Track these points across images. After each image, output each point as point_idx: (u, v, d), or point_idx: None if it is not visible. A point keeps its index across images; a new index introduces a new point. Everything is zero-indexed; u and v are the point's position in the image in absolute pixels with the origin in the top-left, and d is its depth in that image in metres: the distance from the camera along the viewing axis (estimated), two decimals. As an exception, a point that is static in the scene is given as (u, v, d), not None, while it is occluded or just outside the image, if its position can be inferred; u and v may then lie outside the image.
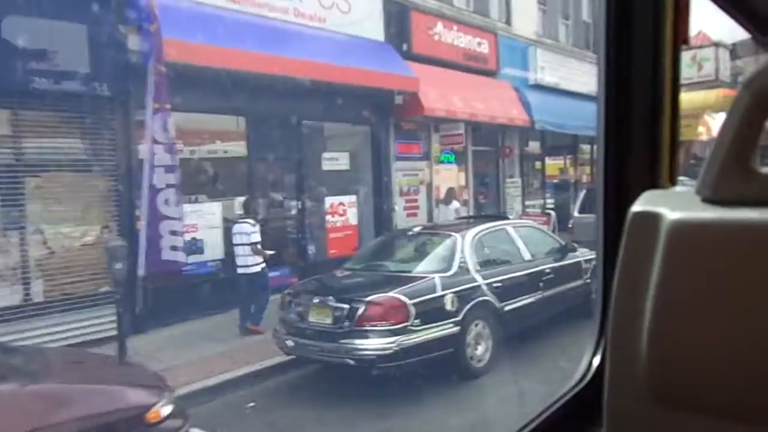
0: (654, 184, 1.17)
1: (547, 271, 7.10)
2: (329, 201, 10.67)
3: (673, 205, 0.68)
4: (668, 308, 0.66)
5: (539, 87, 15.68)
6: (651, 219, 0.68)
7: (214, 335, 7.75)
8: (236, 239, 7.69)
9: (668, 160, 1.20)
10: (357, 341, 5.29)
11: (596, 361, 1.15)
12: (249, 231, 7.55)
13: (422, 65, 11.64)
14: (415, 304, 5.43)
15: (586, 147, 19.34)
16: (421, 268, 6.19)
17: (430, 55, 12.13)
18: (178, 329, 7.90)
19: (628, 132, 1.21)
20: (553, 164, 19.28)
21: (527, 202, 16.00)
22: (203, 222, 8.85)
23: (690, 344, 0.65)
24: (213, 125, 9.56)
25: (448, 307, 5.71)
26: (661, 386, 0.68)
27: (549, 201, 16.54)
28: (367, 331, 5.29)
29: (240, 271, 7.65)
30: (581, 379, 1.16)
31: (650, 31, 1.18)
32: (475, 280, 6.13)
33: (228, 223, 8.95)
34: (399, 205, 12.16)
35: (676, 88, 1.21)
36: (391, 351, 5.19)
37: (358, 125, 11.48)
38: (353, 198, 11.01)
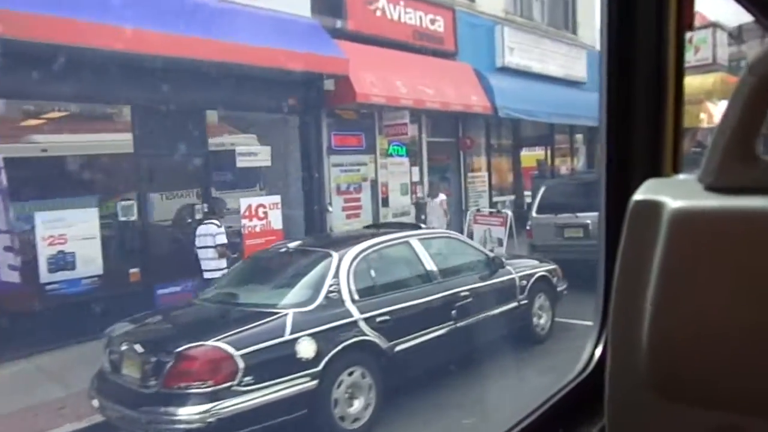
0: (657, 173, 1.16)
1: (464, 294, 5.64)
2: (246, 203, 9.21)
3: (676, 193, 0.67)
4: (670, 297, 0.65)
5: (507, 70, 14.13)
6: (653, 207, 0.67)
7: (66, 373, 6.33)
8: (200, 241, 7.36)
9: (672, 147, 1.20)
10: (162, 408, 3.85)
11: (598, 351, 1.16)
12: (215, 232, 7.24)
13: (360, 45, 10.14)
14: (247, 355, 3.99)
15: (562, 138, 17.82)
16: (278, 300, 4.73)
17: (370, 33, 10.62)
18: (21, 365, 6.49)
19: (630, 119, 1.20)
20: (530, 156, 17.80)
21: (497, 198, 14.52)
22: (74, 231, 7.42)
23: (692, 334, 0.64)
24: (84, 115, 8.11)
25: (303, 353, 4.27)
26: (663, 376, 0.67)
27: (526, 196, 15.07)
28: (175, 394, 3.86)
29: (206, 275, 7.20)
30: (583, 370, 1.17)
31: (653, 15, 1.17)
32: (349, 314, 4.68)
33: (110, 230, 7.57)
34: (336, 204, 10.71)
35: (680, 74, 1.19)
36: (202, 423, 3.75)
37: (282, 115, 10.02)
38: (277, 198, 9.54)
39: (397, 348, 4.91)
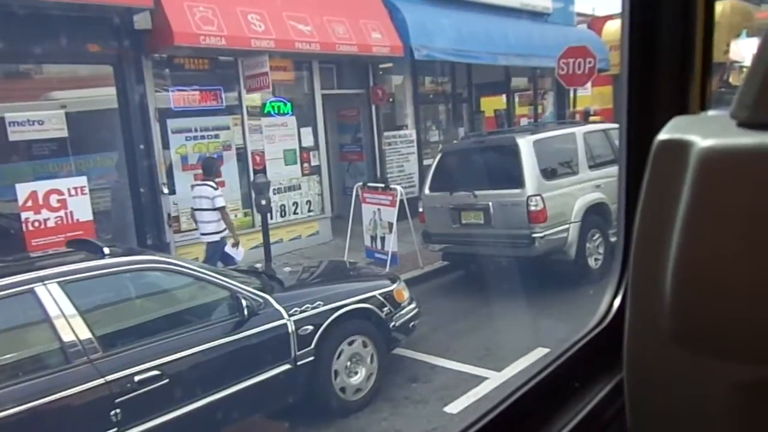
0: (683, 111, 1.08)
1: (150, 376, 3.23)
2: (26, 189, 6.79)
3: (705, 131, 0.61)
4: (696, 244, 0.60)
5: (439, 0, 11.27)
6: (680, 147, 0.61)
7: None
8: (197, 203, 7.00)
9: (699, 84, 1.10)
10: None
11: (617, 301, 1.11)
12: (211, 194, 6.83)
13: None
14: None
15: (525, 83, 14.96)
16: None
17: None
18: None
19: (655, 51, 1.10)
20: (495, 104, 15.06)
21: (430, 162, 11.91)
22: None
23: (717, 283, 0.59)
24: None
25: None
26: (686, 327, 0.62)
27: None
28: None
29: (203, 239, 7.02)
30: (602, 320, 1.13)
31: None
32: None
33: None
34: (183, 183, 8.24)
35: (709, 2, 1.08)
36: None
37: (90, 66, 7.48)
38: (81, 180, 7.10)
39: None
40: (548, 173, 6.58)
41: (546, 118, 15.33)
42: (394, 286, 4.82)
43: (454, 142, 9.27)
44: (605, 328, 1.10)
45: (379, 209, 8.00)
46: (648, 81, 1.11)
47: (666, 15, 1.09)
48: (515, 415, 1.00)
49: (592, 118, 28.22)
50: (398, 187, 7.76)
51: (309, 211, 9.84)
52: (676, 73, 1.11)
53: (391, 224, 7.78)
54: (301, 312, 4.03)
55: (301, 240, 9.63)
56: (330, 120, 11.19)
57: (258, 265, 5.50)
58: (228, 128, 8.73)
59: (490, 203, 6.60)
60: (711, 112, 0.93)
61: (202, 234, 7.01)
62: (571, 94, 23.41)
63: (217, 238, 6.84)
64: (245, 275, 4.56)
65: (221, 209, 6.79)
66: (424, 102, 12.19)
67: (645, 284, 0.66)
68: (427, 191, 7.37)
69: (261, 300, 3.91)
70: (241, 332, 3.72)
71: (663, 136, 0.64)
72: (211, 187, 6.89)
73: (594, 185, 7.09)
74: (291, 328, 3.94)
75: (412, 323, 4.90)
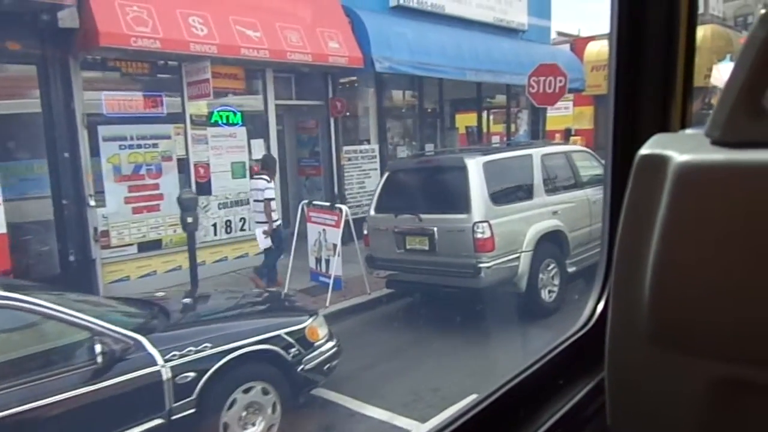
0: (665, 129, 1.16)
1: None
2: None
3: (682, 147, 0.66)
4: (673, 251, 0.64)
5: (406, 11, 10.84)
6: (659, 161, 0.66)
7: None
8: (252, 195, 7.73)
9: (681, 104, 1.19)
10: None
11: (600, 306, 1.17)
12: (263, 187, 7.32)
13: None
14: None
15: (496, 99, 14.57)
16: None
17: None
18: None
19: (639, 74, 1.19)
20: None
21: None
22: None
23: (693, 287, 0.64)
24: None
25: None
26: (663, 328, 0.67)
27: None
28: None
29: (257, 227, 7.54)
30: (585, 324, 1.18)
31: None
32: None
33: None
34: (116, 194, 7.64)
35: (692, 28, 1.17)
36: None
37: (5, 64, 6.89)
38: (-7, 190, 6.48)
39: None
40: (499, 198, 6.07)
41: (519, 137, 14.93)
42: (308, 322, 4.25)
43: (401, 159, 8.70)
44: (588, 331, 1.17)
45: (324, 229, 7.44)
46: (633, 101, 1.18)
47: (650, 40, 1.15)
48: (502, 409, 1.04)
49: (573, 138, 28.09)
50: (344, 207, 7.21)
51: (258, 227, 9.24)
52: (659, 94, 1.17)
53: (335, 246, 7.23)
54: (181, 356, 3.45)
55: (248, 258, 9.02)
56: (289, 132, 10.68)
57: (160, 294, 4.91)
58: (169, 137, 8.15)
59: (435, 228, 6.07)
60: (689, 131, 0.94)
61: (257, 222, 7.58)
62: (548, 113, 23.04)
63: (266, 227, 7.35)
64: (131, 307, 3.97)
65: (267, 201, 7.25)
66: (390, 116, 11.73)
67: (626, 289, 0.70)
68: (372, 212, 6.84)
69: (131, 342, 3.33)
70: (99, 382, 3.13)
71: (644, 151, 0.69)
72: (265, 180, 7.40)
73: (551, 211, 6.60)
74: (166, 375, 3.36)
75: (328, 365, 4.33)
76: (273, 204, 7.37)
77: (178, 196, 6.97)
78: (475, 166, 6.00)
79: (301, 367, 4.09)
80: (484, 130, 15.61)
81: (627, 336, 0.71)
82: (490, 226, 5.80)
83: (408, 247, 6.37)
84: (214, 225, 8.71)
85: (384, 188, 6.73)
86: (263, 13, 8.15)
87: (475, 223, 5.79)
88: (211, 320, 4.17)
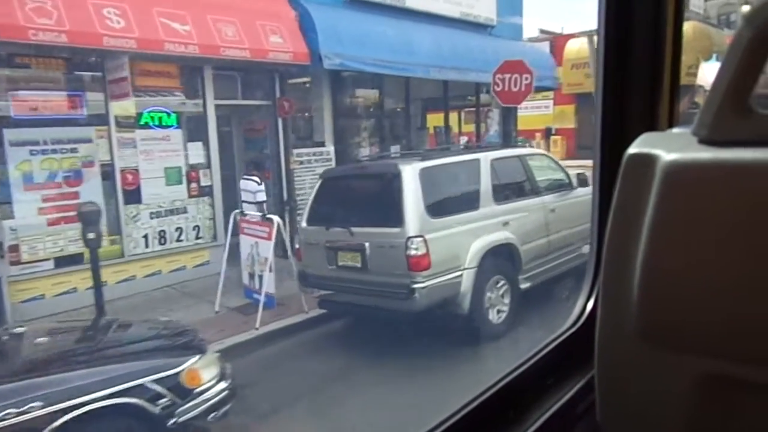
0: (653, 128, 1.17)
1: None
2: None
3: (670, 146, 0.67)
4: (661, 248, 0.65)
5: (363, 4, 10.16)
6: (647, 160, 0.67)
7: None
8: (242, 196, 7.61)
9: (668, 103, 1.20)
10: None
11: (590, 305, 1.18)
12: (254, 189, 7.31)
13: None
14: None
15: (465, 97, 13.93)
16: None
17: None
18: None
19: (627, 74, 1.19)
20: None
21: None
22: None
23: (680, 284, 0.64)
24: None
25: None
26: (651, 325, 0.68)
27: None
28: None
29: None
30: (575, 323, 1.19)
31: None
32: None
33: None
34: (28, 204, 6.92)
35: (678, 29, 1.18)
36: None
37: None
38: None
39: None
40: (438, 208, 5.42)
41: (490, 137, 14.30)
42: (186, 365, 3.58)
43: (346, 164, 8.01)
44: (578, 330, 1.19)
45: (256, 242, 6.76)
46: (621, 100, 1.21)
47: (638, 39, 1.18)
48: (491, 409, 1.05)
49: (553, 138, 27.44)
50: (275, 218, 6.53)
51: (197, 237, 8.55)
52: (647, 94, 1.21)
53: (267, 260, 6.55)
54: (-6, 421, 2.76)
55: (186, 271, 8.32)
56: (237, 134, 9.98)
57: (21, 329, 4.19)
58: (90, 141, 7.43)
59: (367, 244, 5.41)
60: (676, 130, 0.93)
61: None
62: (528, 112, 22.54)
63: None
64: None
65: (260, 204, 7.22)
66: (350, 116, 11.06)
67: (615, 287, 0.70)
68: (304, 224, 6.16)
69: None
70: None
71: (632, 150, 0.69)
72: (255, 182, 7.38)
73: (501, 222, 5.96)
74: None
75: (214, 413, 3.66)
76: (264, 207, 7.36)
77: (78, 209, 6.24)
78: (410, 173, 5.35)
79: (174, 420, 3.41)
80: (456, 130, 15.03)
81: (616, 334, 0.72)
82: (425, 241, 5.15)
83: (340, 263, 5.70)
84: (146, 236, 7.99)
85: (316, 198, 6.06)
86: (194, 5, 7.45)
87: (409, 238, 5.14)
88: (57, 368, 3.47)
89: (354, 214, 5.60)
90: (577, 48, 24.42)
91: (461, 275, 5.44)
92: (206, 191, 8.60)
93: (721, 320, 0.62)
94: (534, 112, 26.06)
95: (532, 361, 1.14)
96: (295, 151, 9.65)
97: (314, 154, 10.02)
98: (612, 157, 1.13)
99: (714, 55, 16.13)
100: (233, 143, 9.90)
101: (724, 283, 0.61)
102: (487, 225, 5.80)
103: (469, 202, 5.77)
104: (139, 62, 7.64)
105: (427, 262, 5.14)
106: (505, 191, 6.21)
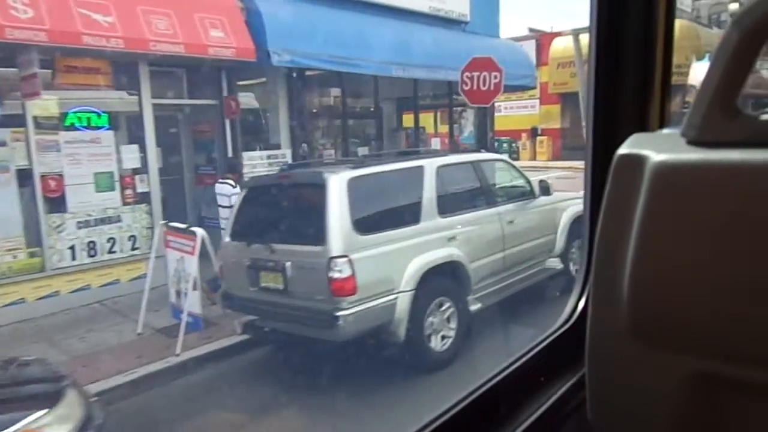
0: (644, 128, 1.17)
1: None
2: None
3: (659, 147, 0.68)
4: (650, 249, 0.66)
5: (319, -3, 9.50)
6: (636, 161, 0.67)
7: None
8: (218, 200, 7.34)
9: (659, 103, 1.21)
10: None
11: (581, 304, 1.19)
12: (229, 192, 6.95)
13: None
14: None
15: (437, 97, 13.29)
16: None
17: None
18: None
19: (618, 75, 1.20)
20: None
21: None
22: None
23: (671, 284, 0.65)
24: None
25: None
26: (642, 324, 0.68)
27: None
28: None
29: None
30: (565, 322, 1.20)
31: None
32: None
33: None
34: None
35: (669, 28, 1.19)
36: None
37: None
38: None
39: None
40: (368, 224, 4.77)
41: (464, 138, 13.70)
42: (22, 424, 2.91)
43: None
44: (569, 328, 1.20)
45: (182, 257, 6.10)
46: (612, 101, 1.21)
47: (629, 39, 1.17)
48: (482, 407, 1.05)
49: (539, 138, 26.81)
50: (199, 230, 5.87)
51: (133, 249, 7.87)
52: (638, 94, 1.20)
53: (192, 277, 5.89)
54: None
55: (120, 285, 7.64)
56: (185, 136, 9.32)
57: None
58: (4, 144, 6.75)
59: (289, 263, 4.76)
60: (666, 131, 0.93)
61: (222, 229, 6.85)
62: (513, 112, 21.89)
63: None
64: None
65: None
66: (310, 117, 10.41)
67: (605, 286, 0.70)
68: (227, 238, 5.50)
69: None
70: None
71: (622, 151, 0.69)
72: (230, 185, 7.13)
73: (446, 237, 5.33)
74: None
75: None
76: None
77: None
78: (337, 183, 4.70)
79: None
80: (432, 130, 14.44)
81: (607, 333, 0.72)
82: (350, 262, 4.50)
83: (262, 284, 5.05)
84: (72, 248, 7.31)
85: (240, 209, 5.41)
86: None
87: (331, 258, 4.48)
88: None
89: (276, 230, 4.95)
90: (563, 47, 23.82)
91: (395, 299, 4.80)
92: (144, 198, 7.92)
93: (710, 319, 0.63)
94: (520, 111, 25.55)
95: (523, 359, 1.14)
96: (246, 154, 8.99)
97: (268, 158, 9.35)
98: (603, 157, 1.14)
99: (707, 55, 15.67)
100: (181, 145, 9.24)
101: (712, 283, 0.62)
102: (430, 241, 5.16)
103: (407, 215, 5.12)
104: (64, 58, 6.98)
105: (353, 285, 4.49)
106: (454, 202, 5.57)
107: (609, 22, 1.17)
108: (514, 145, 24.69)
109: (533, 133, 25.32)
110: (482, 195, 5.95)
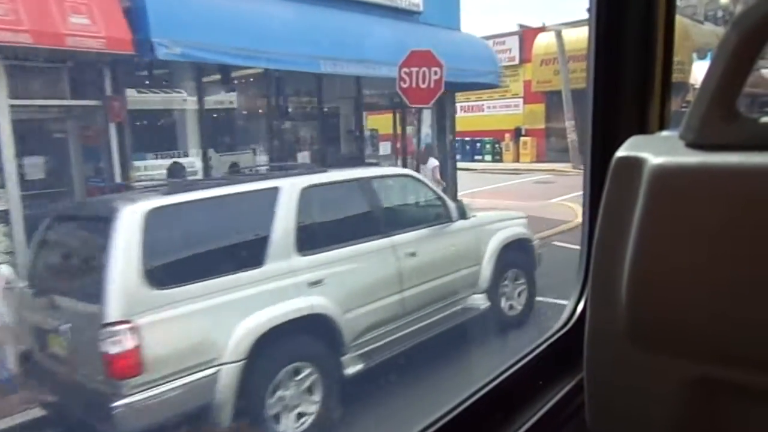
0: (643, 130, 1.17)
1: None
2: None
3: (657, 149, 0.67)
4: (648, 252, 0.65)
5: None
6: (635, 164, 0.67)
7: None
8: None
9: (659, 105, 1.20)
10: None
11: (579, 307, 1.19)
12: None
13: None
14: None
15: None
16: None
17: None
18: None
19: (618, 76, 1.20)
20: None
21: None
22: None
23: (669, 287, 0.65)
24: None
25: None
26: (641, 328, 0.68)
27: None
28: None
29: None
30: (564, 325, 1.20)
31: None
32: None
33: None
34: None
35: (669, 30, 1.18)
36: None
37: None
38: None
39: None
40: (173, 273, 3.48)
41: (423, 142, 12.40)
42: None
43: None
44: (568, 332, 1.19)
45: (-4, 299, 4.83)
46: (612, 102, 1.20)
47: (629, 40, 1.16)
48: (480, 411, 1.05)
49: (523, 139, 25.38)
50: (4, 267, 4.60)
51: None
52: (638, 95, 1.19)
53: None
54: None
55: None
56: (74, 142, 8.03)
57: None
58: None
59: (69, 325, 3.48)
60: (664, 133, 0.91)
61: None
62: (497, 111, 20.61)
63: None
64: None
65: None
66: (232, 120, 9.15)
67: (603, 289, 0.70)
68: (21, 284, 4.22)
69: None
70: None
71: (620, 153, 0.68)
72: None
73: (306, 282, 4.04)
74: None
75: None
76: None
77: None
78: (132, 218, 3.41)
79: None
80: (391, 132, 13.16)
81: (605, 336, 0.72)
82: (135, 329, 3.21)
83: (50, 350, 3.77)
84: None
85: (37, 248, 4.12)
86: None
87: (105, 324, 3.20)
88: None
89: (64, 278, 3.68)
90: (546, 43, 22.45)
91: (215, 374, 3.51)
92: (0, 217, 6.65)
93: (709, 323, 0.62)
94: (503, 111, 24.26)
95: (521, 363, 1.13)
96: (139, 163, 7.72)
97: (168, 169, 8.09)
98: (602, 159, 1.13)
99: (709, 53, 14.59)
100: (70, 153, 7.97)
101: (711, 287, 0.62)
102: (279, 289, 3.88)
103: (244, 256, 3.83)
104: None
105: (136, 362, 3.20)
106: (325, 234, 4.30)
107: (609, 22, 1.17)
108: (497, 146, 23.45)
109: (517, 133, 23.98)
110: (370, 222, 4.67)
